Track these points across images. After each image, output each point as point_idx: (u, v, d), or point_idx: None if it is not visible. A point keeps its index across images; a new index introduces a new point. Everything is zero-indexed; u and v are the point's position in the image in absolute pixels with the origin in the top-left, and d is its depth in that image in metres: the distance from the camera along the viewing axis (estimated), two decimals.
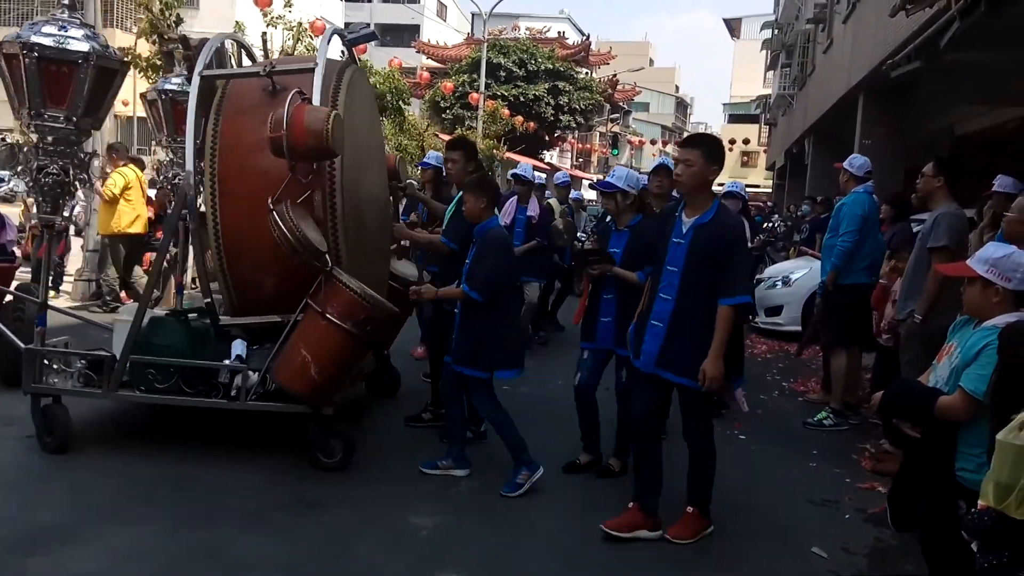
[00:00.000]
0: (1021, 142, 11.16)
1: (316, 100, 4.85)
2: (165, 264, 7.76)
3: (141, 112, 6.12)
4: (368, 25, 6.10)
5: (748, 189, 6.95)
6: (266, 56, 7.20)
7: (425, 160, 7.09)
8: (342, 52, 6.10)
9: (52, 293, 7.45)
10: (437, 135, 28.16)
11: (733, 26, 68.68)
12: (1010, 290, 3.04)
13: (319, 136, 4.50)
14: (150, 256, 9.52)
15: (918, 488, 3.34)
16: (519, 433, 4.78)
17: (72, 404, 5.12)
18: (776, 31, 31.27)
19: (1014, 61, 6.29)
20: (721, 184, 6.54)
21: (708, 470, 4.23)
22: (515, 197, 8.42)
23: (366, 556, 3.93)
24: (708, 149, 4.08)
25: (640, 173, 5.42)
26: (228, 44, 6.00)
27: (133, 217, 9.33)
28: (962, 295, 3.32)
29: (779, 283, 10.21)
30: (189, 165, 5.12)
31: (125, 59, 5.40)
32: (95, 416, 5.53)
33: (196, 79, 5.19)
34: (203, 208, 5.24)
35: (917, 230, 6.95)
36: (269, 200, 4.63)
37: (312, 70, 5.00)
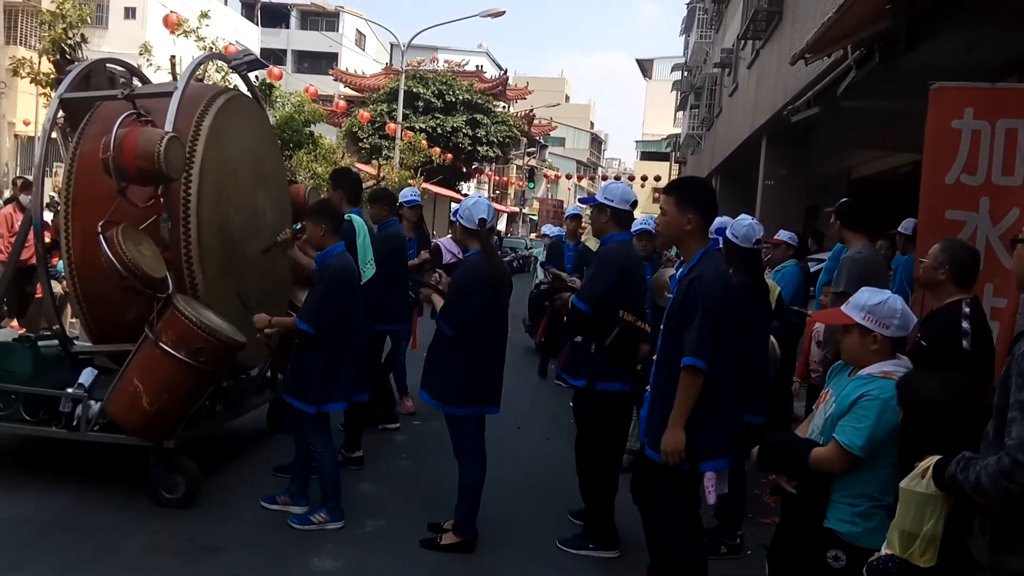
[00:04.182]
0: (914, 185, 11.66)
1: (169, 123, 4.72)
2: (61, 292, 7.39)
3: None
4: (250, 52, 5.98)
5: None
6: (174, 79, 7.02)
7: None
8: (256, 77, 6.01)
9: None
10: (354, 164, 27.85)
11: (645, 67, 70.63)
12: (888, 337, 2.92)
13: (149, 158, 4.37)
14: None
15: (788, 538, 3.18)
16: (339, 480, 4.67)
17: None
18: (685, 73, 32.24)
19: (907, 109, 6.59)
20: None
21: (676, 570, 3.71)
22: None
23: None
24: (679, 193, 3.70)
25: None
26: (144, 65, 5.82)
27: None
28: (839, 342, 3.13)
29: None
30: (36, 188, 4.99)
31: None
32: None
33: (55, 102, 5.07)
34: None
35: (815, 270, 7.17)
36: (98, 224, 4.49)
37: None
